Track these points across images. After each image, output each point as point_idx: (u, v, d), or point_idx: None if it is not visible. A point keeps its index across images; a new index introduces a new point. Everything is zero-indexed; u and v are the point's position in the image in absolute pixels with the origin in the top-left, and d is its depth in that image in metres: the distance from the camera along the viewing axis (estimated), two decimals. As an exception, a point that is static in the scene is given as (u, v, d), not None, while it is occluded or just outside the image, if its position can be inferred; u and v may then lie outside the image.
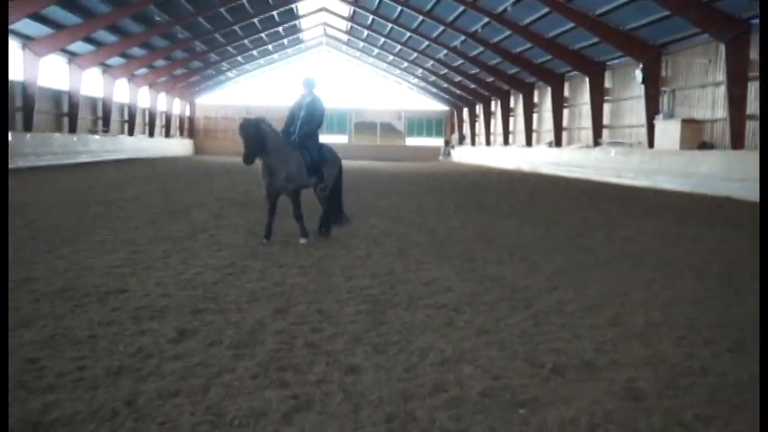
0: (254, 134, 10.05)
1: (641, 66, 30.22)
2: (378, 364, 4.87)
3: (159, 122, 59.51)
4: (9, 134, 29.62)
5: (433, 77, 60.11)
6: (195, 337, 5.42)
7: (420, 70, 59.26)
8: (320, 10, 50.73)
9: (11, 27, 30.20)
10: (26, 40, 33.60)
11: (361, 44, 58.70)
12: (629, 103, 34.12)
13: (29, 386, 4.25)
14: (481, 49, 42.48)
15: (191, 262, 8.72)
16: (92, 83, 43.26)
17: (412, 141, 71.55)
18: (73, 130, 39.54)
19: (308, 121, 10.66)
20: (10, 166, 27.81)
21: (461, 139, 64.88)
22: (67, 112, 40.01)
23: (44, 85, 36.39)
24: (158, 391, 4.23)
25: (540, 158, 40.95)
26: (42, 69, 35.25)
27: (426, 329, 5.80)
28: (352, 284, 7.57)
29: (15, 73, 34.00)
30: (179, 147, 62.29)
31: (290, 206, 10.76)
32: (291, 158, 10.36)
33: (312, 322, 5.94)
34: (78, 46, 37.67)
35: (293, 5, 46.79)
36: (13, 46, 33.14)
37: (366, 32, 53.01)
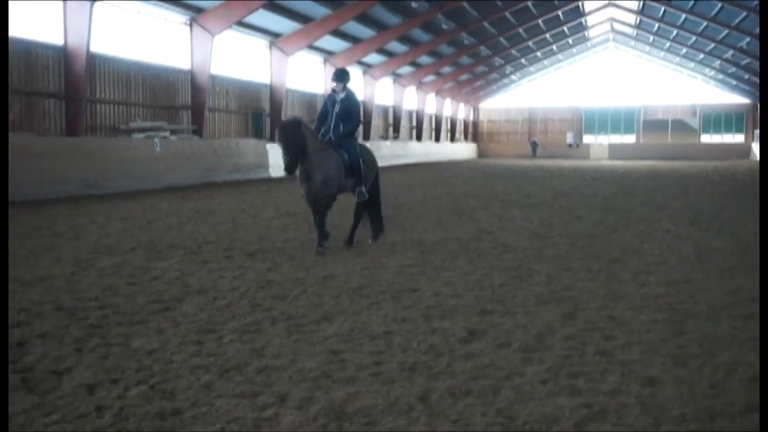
0: (296, 137, 8.98)
1: None
2: (678, 377, 4.53)
3: (445, 127, 61.50)
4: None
5: (733, 68, 55.37)
6: (484, 338, 5.45)
7: (718, 62, 54.91)
8: (607, 5, 49.10)
9: (315, 44, 33.00)
10: (327, 55, 36.49)
11: (651, 38, 55.81)
12: None
13: (332, 376, 4.53)
14: (791, 33, 38.35)
15: (477, 263, 8.82)
16: (383, 92, 45.86)
17: (707, 139, 66.49)
18: (367, 137, 42.20)
19: (345, 119, 9.64)
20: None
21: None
22: (362, 121, 42.77)
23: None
24: (450, 389, 4.29)
25: None
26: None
27: (732, 342, 5.30)
28: (646, 291, 7.17)
29: (318, 86, 37.07)
30: (463, 150, 63.84)
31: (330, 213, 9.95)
32: (330, 160, 9.33)
33: (603, 329, 5.70)
34: (372, 57, 40.12)
35: (579, 3, 45.80)
36: (316, 61, 36.17)
37: (657, 25, 50.30)
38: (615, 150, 64.79)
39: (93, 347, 5.08)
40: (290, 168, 9.05)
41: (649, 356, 4.97)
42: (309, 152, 9.11)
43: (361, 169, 9.78)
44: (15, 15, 19.08)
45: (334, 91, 9.79)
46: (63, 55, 20.16)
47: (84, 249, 9.53)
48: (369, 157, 10.10)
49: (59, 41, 20.14)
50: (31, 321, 5.74)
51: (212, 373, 4.55)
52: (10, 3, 18.48)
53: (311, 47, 33.73)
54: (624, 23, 54.76)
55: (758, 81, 55.35)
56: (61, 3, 19.99)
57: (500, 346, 5.22)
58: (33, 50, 19.57)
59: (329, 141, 9.58)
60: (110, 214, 13.82)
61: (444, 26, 39.46)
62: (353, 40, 36.24)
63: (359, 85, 42.22)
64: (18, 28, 19.10)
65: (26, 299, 6.53)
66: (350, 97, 9.75)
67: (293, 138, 8.97)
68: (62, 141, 19.12)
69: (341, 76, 9.73)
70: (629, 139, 67.92)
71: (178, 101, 26.29)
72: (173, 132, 24.28)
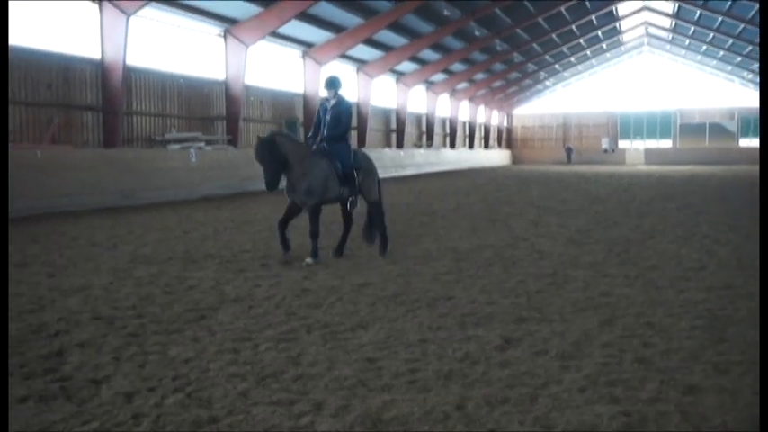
0: (271, 154, 8.88)
1: None
2: (719, 384, 4.44)
3: (478, 134, 61.32)
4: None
5: (772, 71, 54.32)
6: (520, 345, 5.40)
7: (756, 64, 53.92)
8: (642, 9, 48.58)
9: (347, 53, 33.12)
10: (360, 63, 36.62)
11: (687, 41, 55.04)
12: None
13: (368, 384, 4.53)
14: (831, 34, 37.56)
15: (512, 270, 8.77)
16: (416, 100, 45.91)
17: (746, 143, 65.27)
18: (400, 145, 42.24)
19: (335, 125, 9.51)
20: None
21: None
22: (395, 129, 42.88)
23: (376, 104, 39.33)
24: (486, 397, 4.26)
25: None
26: (374, 90, 38.18)
27: (775, 350, 5.19)
28: (685, 297, 7.06)
29: (351, 95, 37.19)
30: (497, 157, 63.57)
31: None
32: (315, 169, 9.18)
33: (642, 336, 5.62)
34: (405, 66, 40.17)
35: (613, 7, 45.42)
36: (349, 70, 36.31)
37: (693, 28, 49.61)
38: (651, 155, 64.01)
39: (130, 356, 5.13)
40: (269, 185, 8.97)
41: (689, 364, 4.89)
42: (293, 163, 9.05)
43: (354, 178, 9.62)
44: (54, 31, 19.46)
45: (326, 99, 9.73)
46: (100, 69, 20.47)
47: (122, 259, 9.65)
48: (367, 165, 9.95)
49: (97, 56, 20.46)
50: (70, 330, 5.82)
51: (248, 382, 4.57)
52: (50, 17, 18.87)
53: (344, 56, 33.84)
54: (659, 27, 54.12)
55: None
56: (98, 18, 20.32)
57: (537, 354, 5.17)
58: (71, 65, 19.90)
59: (322, 150, 9.48)
60: (146, 224, 13.98)
61: (477, 33, 39.34)
62: (386, 48, 36.29)
63: (392, 93, 42.28)
64: (57, 43, 19.46)
65: (65, 308, 6.63)
66: (340, 103, 9.64)
67: (268, 156, 8.89)
68: (100, 153, 19.40)
69: (331, 83, 9.64)
70: (666, 143, 67.03)
71: (213, 112, 26.53)
72: (208, 143, 24.51)
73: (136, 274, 8.46)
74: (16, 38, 18.04)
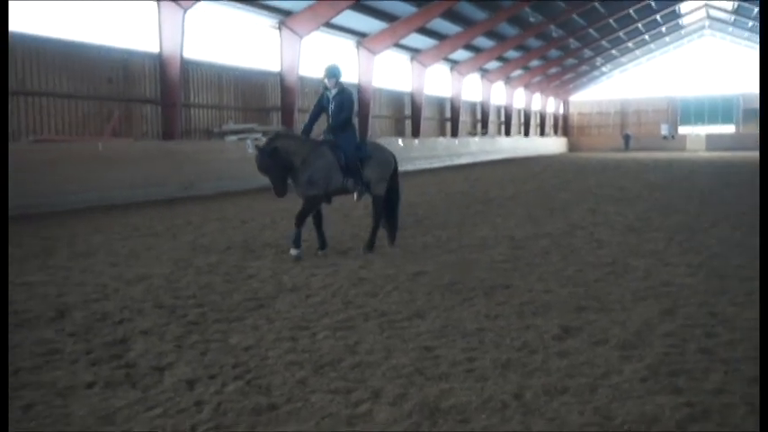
0: (273, 162, 8.77)
1: None
2: (787, 376, 4.32)
3: (534, 122, 60.64)
4: (399, 140, 32.37)
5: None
6: (579, 335, 5.34)
7: (823, 46, 52.06)
8: (702, -8, 47.38)
9: (401, 42, 33.06)
10: (414, 52, 36.51)
11: (750, 23, 53.43)
12: None
13: (425, 373, 4.53)
14: None
15: (570, 259, 8.67)
16: (471, 88, 45.59)
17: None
18: (455, 133, 42.02)
19: (338, 113, 9.29)
20: (401, 169, 30.37)
21: None
22: (450, 117, 42.68)
23: (430, 93, 39.18)
24: (545, 387, 4.23)
25: None
26: (428, 79, 38.02)
27: None
28: (750, 286, 6.87)
29: (405, 84, 37.13)
30: (554, 145, 62.76)
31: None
32: (319, 160, 8.99)
33: (705, 326, 5.50)
34: (459, 54, 39.90)
35: (672, -9, 44.39)
36: (403, 59, 36.25)
37: (755, 10, 48.15)
38: (713, 141, 62.37)
39: (192, 344, 5.23)
40: (279, 192, 8.97)
41: (754, 354, 4.76)
42: (297, 165, 8.92)
43: (359, 168, 9.34)
44: (114, 27, 19.87)
45: (326, 88, 9.50)
46: (158, 62, 20.82)
47: (182, 249, 9.83)
48: (379, 156, 9.65)
49: (155, 50, 20.83)
50: (133, 318, 5.96)
51: (307, 369, 4.62)
52: (110, 14, 19.28)
53: (397, 45, 33.78)
54: (720, 9, 52.66)
55: None
56: (156, 13, 20.67)
57: (596, 344, 5.10)
58: (131, 59, 20.29)
59: (327, 141, 9.31)
60: (205, 215, 14.20)
61: (532, 19, 38.85)
62: (440, 36, 36.08)
63: (446, 81, 42.07)
64: (117, 38, 19.87)
65: (128, 297, 6.79)
66: (342, 92, 9.45)
67: (271, 164, 8.82)
68: (159, 145, 19.75)
69: (332, 72, 9.43)
70: (728, 129, 65.21)
71: (268, 103, 26.77)
72: (264, 134, 24.73)
73: (196, 264, 8.61)
74: (79, 35, 18.50)
